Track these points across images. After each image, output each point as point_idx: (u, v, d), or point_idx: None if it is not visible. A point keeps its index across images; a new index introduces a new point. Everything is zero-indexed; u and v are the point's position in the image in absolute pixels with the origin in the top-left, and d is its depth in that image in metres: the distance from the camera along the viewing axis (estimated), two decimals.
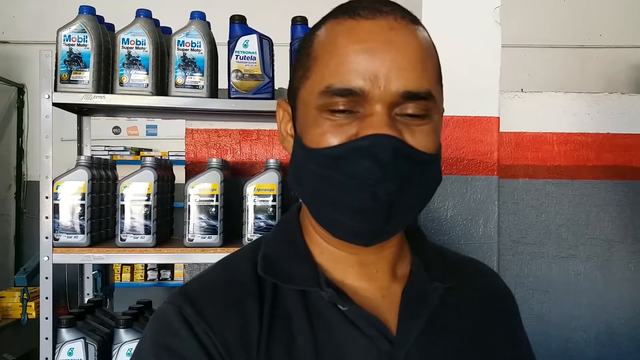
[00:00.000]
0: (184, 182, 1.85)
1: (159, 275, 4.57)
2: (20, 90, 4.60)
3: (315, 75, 0.63)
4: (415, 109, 0.61)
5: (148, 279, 4.57)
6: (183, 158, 1.94)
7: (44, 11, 4.52)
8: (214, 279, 0.70)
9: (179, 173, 1.88)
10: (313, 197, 0.66)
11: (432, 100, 0.62)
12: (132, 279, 4.54)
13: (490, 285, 0.80)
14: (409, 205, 0.64)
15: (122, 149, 4.55)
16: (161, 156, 4.54)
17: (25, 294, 3.32)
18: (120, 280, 4.43)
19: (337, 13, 0.65)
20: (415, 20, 0.64)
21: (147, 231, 1.56)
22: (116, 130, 4.75)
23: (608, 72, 4.71)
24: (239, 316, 0.64)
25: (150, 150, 4.69)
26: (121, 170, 1.81)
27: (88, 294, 1.86)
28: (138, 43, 1.56)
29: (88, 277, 1.86)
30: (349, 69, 0.60)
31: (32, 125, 4.59)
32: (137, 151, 4.61)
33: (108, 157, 4.41)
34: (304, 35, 0.72)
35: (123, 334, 1.53)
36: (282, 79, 1.72)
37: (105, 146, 4.48)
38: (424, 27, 0.65)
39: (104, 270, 2.28)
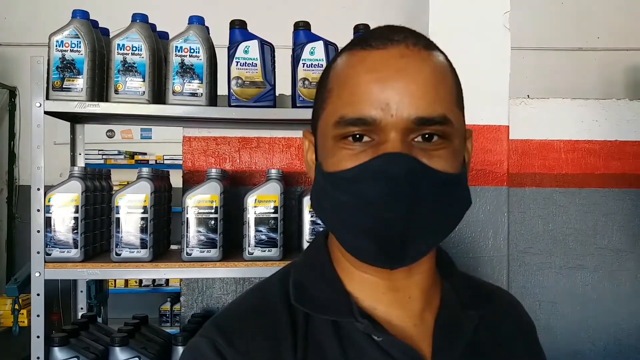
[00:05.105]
0: (180, 187, 1.80)
1: (154, 281, 4.51)
2: (12, 93, 4.52)
3: (330, 107, 0.64)
4: (430, 132, 0.60)
5: (143, 284, 4.51)
6: (178, 162, 1.90)
7: (35, 12, 4.45)
8: (246, 308, 0.69)
9: (175, 177, 1.82)
10: (332, 221, 0.65)
11: (448, 124, 0.60)
12: (126, 284, 4.48)
13: (518, 315, 0.80)
14: (431, 227, 0.62)
15: (116, 152, 4.49)
16: (156, 160, 4.48)
17: (16, 305, 3.23)
18: (115, 287, 4.37)
19: (351, 45, 0.65)
20: (429, 46, 0.63)
21: (144, 245, 1.50)
22: (110, 133, 4.67)
23: (606, 75, 4.69)
24: (272, 346, 0.64)
25: (145, 154, 4.62)
26: (115, 175, 1.75)
27: (82, 309, 1.79)
28: (134, 49, 1.49)
29: (82, 291, 1.80)
30: (361, 98, 0.60)
31: (24, 129, 4.52)
32: (132, 155, 4.54)
33: (102, 161, 4.35)
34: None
35: (119, 353, 1.47)
36: (283, 86, 1.66)
37: (99, 150, 4.40)
38: (440, 52, 0.64)
39: None
